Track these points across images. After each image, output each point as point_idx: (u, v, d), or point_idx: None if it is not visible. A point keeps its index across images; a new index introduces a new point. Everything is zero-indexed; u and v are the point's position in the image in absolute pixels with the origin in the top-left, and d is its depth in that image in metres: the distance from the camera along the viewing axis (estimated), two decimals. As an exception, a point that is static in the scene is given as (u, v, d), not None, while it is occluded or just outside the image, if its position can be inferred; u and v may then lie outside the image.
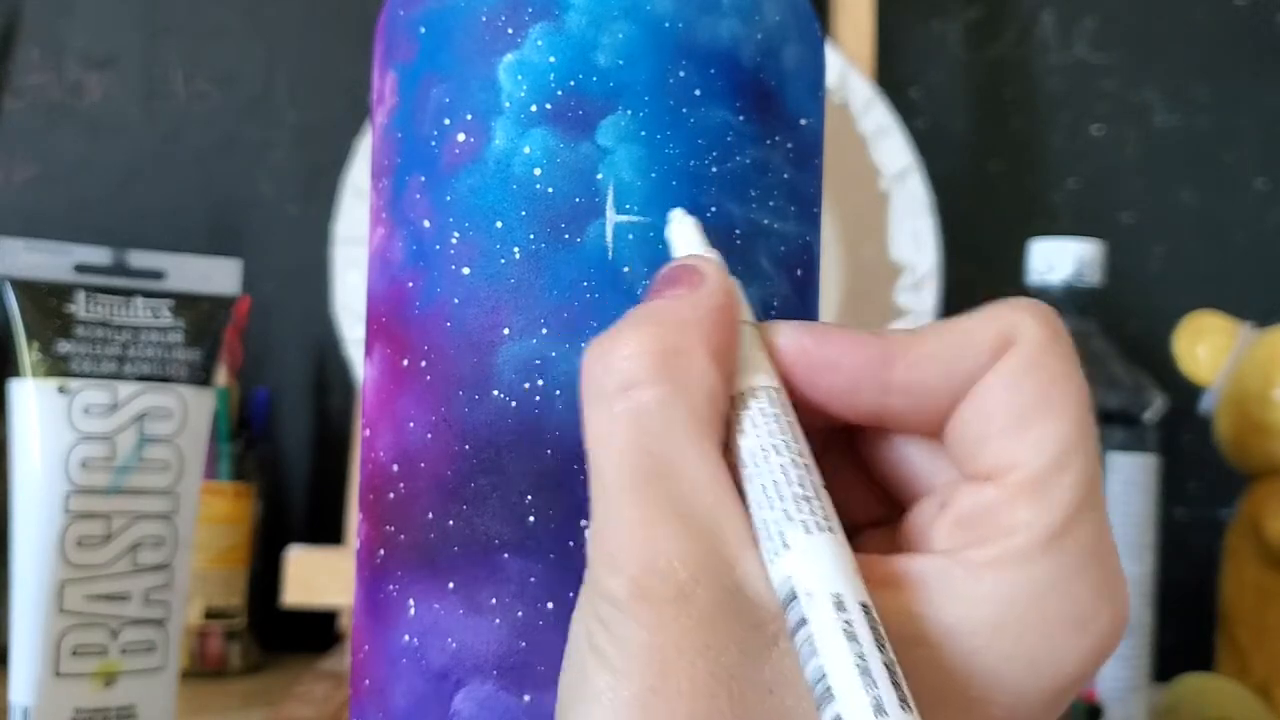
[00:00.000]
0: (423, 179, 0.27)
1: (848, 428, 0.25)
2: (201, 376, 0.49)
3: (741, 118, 0.27)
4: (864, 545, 0.25)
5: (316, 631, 0.75)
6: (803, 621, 0.20)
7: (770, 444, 0.22)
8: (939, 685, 0.21)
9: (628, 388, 0.22)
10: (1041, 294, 0.64)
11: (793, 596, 0.20)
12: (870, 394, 0.23)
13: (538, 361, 0.26)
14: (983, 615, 0.21)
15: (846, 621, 0.19)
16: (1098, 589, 0.22)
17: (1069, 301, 0.63)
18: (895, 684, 0.19)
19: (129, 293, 0.48)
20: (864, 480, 0.25)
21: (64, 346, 0.47)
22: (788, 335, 0.24)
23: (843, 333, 0.24)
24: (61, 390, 0.46)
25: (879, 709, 0.18)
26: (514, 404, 0.26)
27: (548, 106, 0.26)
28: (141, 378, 0.48)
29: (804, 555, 0.20)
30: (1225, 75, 0.88)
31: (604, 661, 0.21)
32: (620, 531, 0.21)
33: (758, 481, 0.22)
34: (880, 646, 0.19)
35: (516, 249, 0.26)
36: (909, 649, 0.21)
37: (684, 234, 0.25)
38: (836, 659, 0.19)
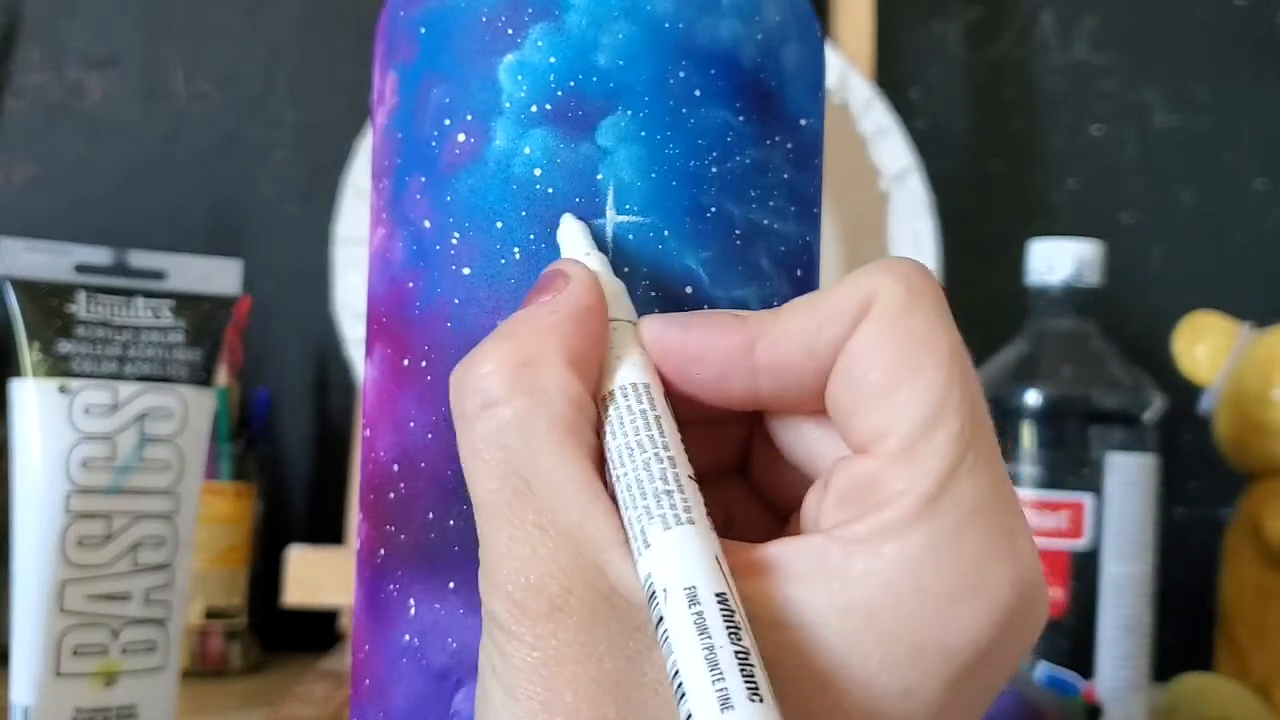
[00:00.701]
0: (423, 179, 0.27)
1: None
2: (202, 376, 0.49)
3: (741, 118, 0.27)
4: (790, 528, 0.24)
5: (317, 631, 0.75)
6: (661, 619, 0.19)
7: (635, 441, 0.22)
8: (816, 669, 0.20)
9: (487, 406, 0.22)
10: (1041, 294, 0.64)
11: (652, 594, 0.20)
12: (739, 380, 0.23)
13: (538, 361, 0.26)
14: (857, 594, 0.20)
15: (698, 614, 0.19)
16: (986, 549, 0.21)
17: (1068, 302, 0.63)
18: (746, 674, 0.18)
19: (130, 293, 0.48)
20: (788, 461, 0.25)
21: (65, 346, 0.47)
22: (652, 330, 0.23)
23: (706, 321, 0.23)
24: (62, 390, 0.46)
25: (725, 703, 0.18)
26: (514, 404, 0.26)
27: (548, 107, 0.26)
28: (142, 378, 0.48)
29: (661, 551, 0.20)
30: (1225, 75, 0.89)
31: (499, 680, 0.21)
32: (494, 551, 0.21)
33: (624, 481, 0.21)
34: (734, 636, 0.19)
35: (517, 249, 0.26)
36: (776, 634, 0.20)
37: (569, 237, 0.25)
38: (686, 653, 0.19)
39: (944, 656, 0.20)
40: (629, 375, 0.23)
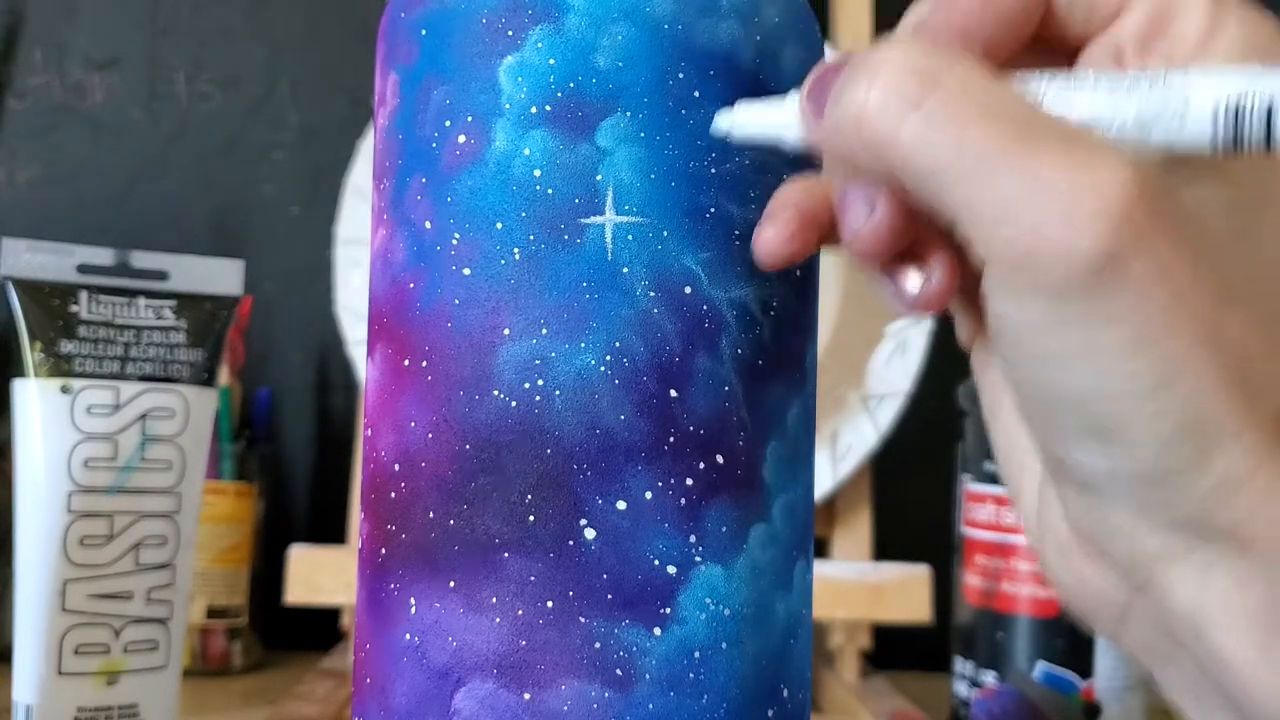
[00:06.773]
0: (424, 180, 0.28)
1: None
2: (204, 376, 0.49)
3: (740, 119, 0.27)
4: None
5: (319, 630, 0.76)
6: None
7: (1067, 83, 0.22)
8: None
9: (938, 70, 0.21)
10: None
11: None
12: None
13: (538, 362, 0.26)
14: None
15: None
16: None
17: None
18: None
19: (132, 293, 0.49)
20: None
21: (67, 346, 0.47)
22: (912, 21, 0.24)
23: None
24: (64, 390, 0.46)
25: None
26: (514, 404, 0.26)
27: (547, 108, 0.26)
28: (144, 378, 0.48)
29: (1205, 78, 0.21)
30: (1225, 76, 0.89)
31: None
32: (1017, 187, 0.20)
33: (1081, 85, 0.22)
34: None
35: (517, 250, 0.26)
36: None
37: (756, 110, 0.26)
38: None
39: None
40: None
